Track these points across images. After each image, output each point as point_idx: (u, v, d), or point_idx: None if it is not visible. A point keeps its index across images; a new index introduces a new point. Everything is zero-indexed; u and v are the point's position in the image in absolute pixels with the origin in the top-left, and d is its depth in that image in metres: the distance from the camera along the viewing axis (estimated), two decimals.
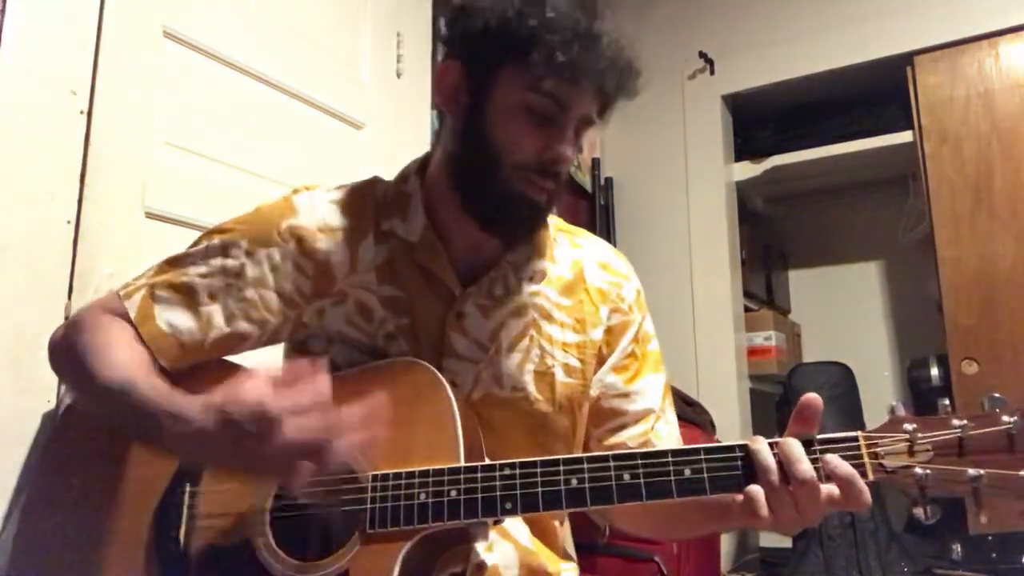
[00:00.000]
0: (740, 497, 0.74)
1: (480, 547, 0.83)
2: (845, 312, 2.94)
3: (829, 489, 0.71)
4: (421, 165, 1.00)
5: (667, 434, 1.01)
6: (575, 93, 0.86)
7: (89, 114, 1.24)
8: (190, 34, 1.42)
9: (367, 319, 0.94)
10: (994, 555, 2.07)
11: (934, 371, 2.29)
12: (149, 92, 1.34)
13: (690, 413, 2.13)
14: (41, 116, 1.17)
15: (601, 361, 1.00)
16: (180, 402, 0.76)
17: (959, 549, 2.12)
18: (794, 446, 0.73)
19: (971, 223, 2.16)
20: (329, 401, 0.71)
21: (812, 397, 0.75)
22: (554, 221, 1.04)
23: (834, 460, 0.72)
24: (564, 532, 1.03)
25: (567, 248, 1.04)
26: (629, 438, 0.98)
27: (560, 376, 0.96)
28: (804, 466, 0.71)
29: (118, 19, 1.29)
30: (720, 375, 2.47)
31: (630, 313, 1.03)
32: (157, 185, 1.34)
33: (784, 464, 0.72)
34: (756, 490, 0.72)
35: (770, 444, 0.74)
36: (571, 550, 1.03)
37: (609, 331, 1.01)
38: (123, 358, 0.85)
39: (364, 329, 0.94)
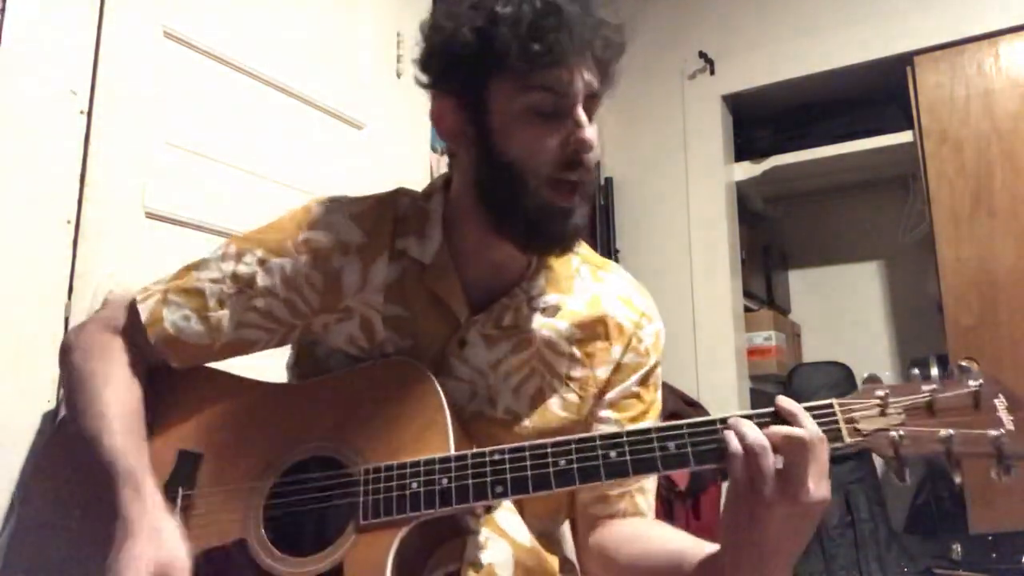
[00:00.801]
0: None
1: (475, 545, 0.84)
2: (845, 312, 2.93)
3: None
4: (446, 183, 0.98)
5: (647, 506, 1.00)
6: (567, 73, 0.83)
7: (89, 114, 1.24)
8: (190, 34, 1.42)
9: (369, 339, 0.94)
10: (994, 555, 2.06)
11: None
12: (149, 92, 1.34)
13: (690, 413, 2.13)
14: (41, 116, 1.18)
15: (600, 396, 0.98)
16: (135, 475, 0.82)
17: (959, 549, 2.12)
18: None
19: (971, 223, 2.15)
20: None
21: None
22: (580, 251, 1.01)
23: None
24: (566, 538, 1.03)
25: (588, 282, 1.00)
26: (607, 485, 0.95)
27: (555, 409, 0.95)
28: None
29: (118, 19, 1.29)
30: (720, 375, 2.46)
31: (645, 356, 0.99)
32: (157, 185, 1.34)
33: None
34: (735, 456, 0.73)
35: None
36: (572, 557, 1.03)
37: (618, 368, 0.98)
38: (110, 397, 0.89)
39: (363, 348, 0.94)
